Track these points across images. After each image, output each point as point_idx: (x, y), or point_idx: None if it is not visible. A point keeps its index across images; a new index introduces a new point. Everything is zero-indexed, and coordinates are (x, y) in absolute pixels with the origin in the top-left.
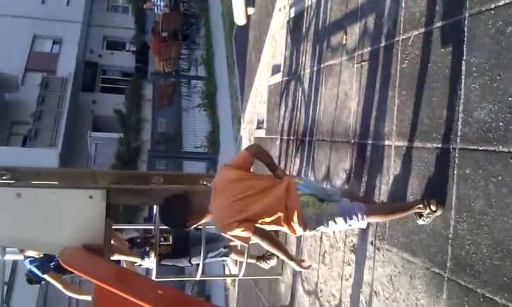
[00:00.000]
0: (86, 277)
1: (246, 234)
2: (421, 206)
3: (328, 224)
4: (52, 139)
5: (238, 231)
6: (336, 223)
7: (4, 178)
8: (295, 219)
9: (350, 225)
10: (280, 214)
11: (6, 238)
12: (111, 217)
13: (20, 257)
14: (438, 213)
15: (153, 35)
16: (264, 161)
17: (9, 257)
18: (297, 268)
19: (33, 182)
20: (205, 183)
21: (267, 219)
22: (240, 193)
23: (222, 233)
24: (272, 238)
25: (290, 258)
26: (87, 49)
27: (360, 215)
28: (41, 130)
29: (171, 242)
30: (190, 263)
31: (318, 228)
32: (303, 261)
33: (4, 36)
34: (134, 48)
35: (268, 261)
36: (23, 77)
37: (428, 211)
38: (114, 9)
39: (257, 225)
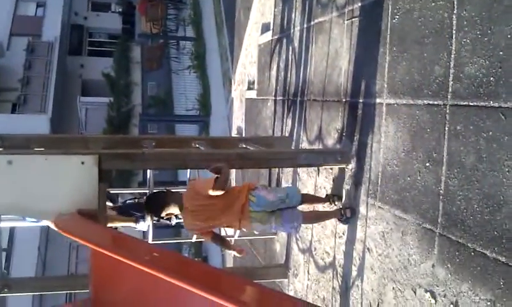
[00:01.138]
0: (81, 242)
1: (205, 238)
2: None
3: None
4: (42, 105)
5: (199, 235)
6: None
7: None
8: (245, 227)
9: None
10: (235, 225)
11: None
12: (104, 182)
13: (16, 224)
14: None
15: None
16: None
17: (4, 224)
18: (238, 255)
19: (24, 149)
20: (197, 146)
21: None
22: (204, 215)
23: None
24: (223, 241)
25: (233, 249)
26: (72, 11)
27: (296, 224)
28: (30, 96)
29: None
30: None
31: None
32: (243, 250)
33: None
34: (120, 9)
35: None
36: (8, 42)
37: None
38: None
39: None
